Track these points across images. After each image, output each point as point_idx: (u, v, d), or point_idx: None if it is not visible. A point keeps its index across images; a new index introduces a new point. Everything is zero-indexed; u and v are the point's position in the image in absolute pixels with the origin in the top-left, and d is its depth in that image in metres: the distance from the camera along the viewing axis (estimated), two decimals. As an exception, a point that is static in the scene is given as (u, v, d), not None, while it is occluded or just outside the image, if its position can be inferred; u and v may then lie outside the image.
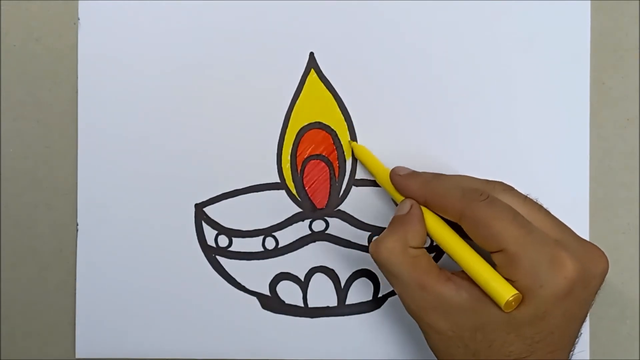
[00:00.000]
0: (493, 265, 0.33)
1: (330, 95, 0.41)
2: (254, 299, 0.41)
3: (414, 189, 0.36)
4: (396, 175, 0.37)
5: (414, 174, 0.37)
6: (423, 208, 0.36)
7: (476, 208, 0.33)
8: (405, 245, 0.35)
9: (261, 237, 0.41)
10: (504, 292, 0.32)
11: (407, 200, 0.36)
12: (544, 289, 0.32)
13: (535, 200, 0.35)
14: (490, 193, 0.34)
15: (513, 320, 0.33)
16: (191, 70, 0.41)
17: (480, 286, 0.33)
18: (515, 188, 0.36)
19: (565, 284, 0.32)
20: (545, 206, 0.34)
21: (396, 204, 0.37)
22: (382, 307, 0.41)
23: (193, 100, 0.41)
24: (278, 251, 0.41)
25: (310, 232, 0.41)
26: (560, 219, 0.35)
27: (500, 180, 0.36)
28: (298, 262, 0.41)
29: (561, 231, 0.34)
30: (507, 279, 0.33)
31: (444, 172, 0.40)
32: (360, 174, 0.41)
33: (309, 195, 0.41)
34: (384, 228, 0.40)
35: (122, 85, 0.41)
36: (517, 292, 0.32)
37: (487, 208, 0.33)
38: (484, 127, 0.41)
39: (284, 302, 0.41)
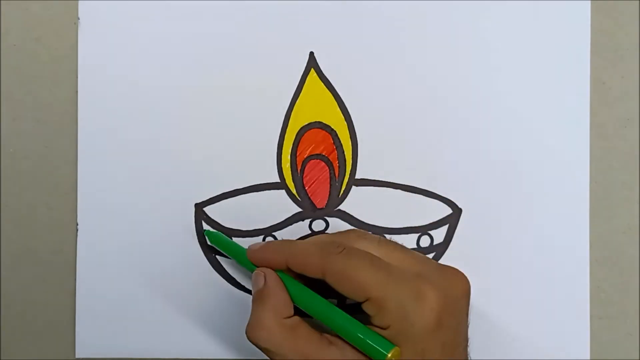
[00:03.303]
0: (368, 317, 0.33)
1: (330, 94, 0.41)
2: (254, 299, 0.41)
3: (271, 258, 0.36)
4: (251, 250, 0.37)
5: (267, 244, 0.37)
6: (282, 276, 0.35)
7: (335, 261, 0.33)
8: (279, 317, 0.34)
9: (261, 237, 0.41)
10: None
11: (258, 273, 0.36)
12: (415, 327, 0.32)
13: (389, 240, 0.36)
14: (347, 244, 0.34)
15: None
16: (191, 70, 0.41)
17: (358, 349, 0.33)
18: (369, 233, 0.36)
19: (432, 316, 0.32)
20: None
21: None
22: (382, 307, 0.41)
23: (193, 100, 0.41)
24: (278, 251, 0.41)
25: (310, 232, 0.41)
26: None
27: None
28: (298, 262, 0.41)
29: (420, 263, 0.35)
30: (381, 327, 0.33)
31: (444, 172, 0.40)
32: (360, 174, 0.41)
33: (309, 195, 0.41)
34: (384, 228, 0.40)
35: (122, 85, 0.41)
36: (394, 346, 0.32)
37: (346, 259, 0.33)
38: (484, 127, 0.41)
39: (284, 302, 0.41)
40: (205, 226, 0.41)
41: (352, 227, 0.41)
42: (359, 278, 0.33)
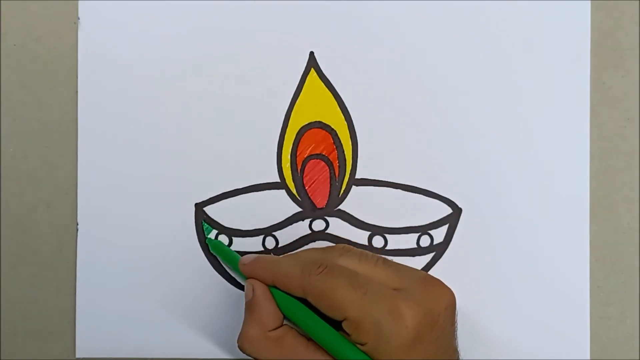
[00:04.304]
0: (347, 334, 0.34)
1: (330, 94, 0.41)
2: (254, 299, 0.41)
3: (259, 275, 0.36)
4: (242, 264, 0.37)
5: (257, 259, 0.37)
6: (271, 287, 0.36)
7: (315, 282, 0.34)
8: (264, 329, 0.35)
9: (261, 237, 0.41)
10: None
11: (247, 284, 0.37)
12: (390, 344, 0.32)
13: (372, 254, 0.36)
14: (329, 261, 0.35)
15: None
16: (191, 70, 0.41)
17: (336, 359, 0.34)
18: (353, 247, 0.36)
19: (408, 333, 0.33)
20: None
21: None
22: (382, 307, 0.41)
23: (193, 100, 0.41)
24: (278, 251, 0.41)
25: (310, 231, 0.41)
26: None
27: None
28: (298, 262, 0.41)
29: (401, 278, 0.35)
30: (359, 344, 0.33)
31: (444, 172, 0.40)
32: (360, 174, 0.41)
33: (309, 195, 0.41)
34: (384, 228, 0.41)
35: (122, 85, 0.41)
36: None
37: (325, 279, 0.34)
38: (484, 127, 0.41)
39: (284, 301, 0.41)
40: (207, 230, 0.41)
41: (352, 227, 0.41)
42: (336, 298, 0.33)
